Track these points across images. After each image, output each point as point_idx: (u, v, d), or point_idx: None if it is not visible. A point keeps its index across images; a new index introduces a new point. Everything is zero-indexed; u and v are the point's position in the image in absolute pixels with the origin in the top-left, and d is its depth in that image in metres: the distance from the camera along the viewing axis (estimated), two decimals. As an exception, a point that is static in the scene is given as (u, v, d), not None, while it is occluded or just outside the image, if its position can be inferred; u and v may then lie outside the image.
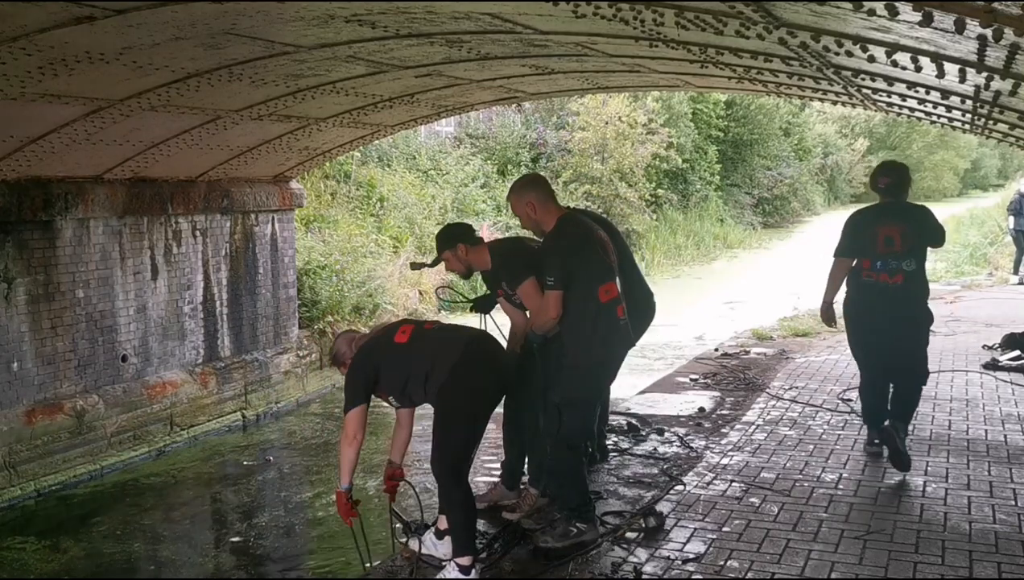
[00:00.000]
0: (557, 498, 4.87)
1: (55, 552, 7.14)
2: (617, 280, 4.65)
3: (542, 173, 23.16)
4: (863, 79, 5.46)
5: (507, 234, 15.78)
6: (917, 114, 7.19)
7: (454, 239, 4.87)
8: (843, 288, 6.09)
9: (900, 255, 5.66)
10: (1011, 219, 16.87)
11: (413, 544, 4.71)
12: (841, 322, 6.30)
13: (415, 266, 5.61)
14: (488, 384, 4.40)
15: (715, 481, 5.72)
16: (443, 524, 4.57)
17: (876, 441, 6.07)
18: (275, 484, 8.86)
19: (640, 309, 5.34)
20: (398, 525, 4.90)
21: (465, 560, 4.31)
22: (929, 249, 5.86)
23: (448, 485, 4.33)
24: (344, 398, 4.43)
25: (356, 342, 4.60)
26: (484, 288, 5.33)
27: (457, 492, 4.32)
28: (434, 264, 5.08)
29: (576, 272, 4.49)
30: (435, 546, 4.60)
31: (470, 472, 4.48)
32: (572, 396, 4.62)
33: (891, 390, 5.95)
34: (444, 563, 4.45)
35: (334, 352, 4.72)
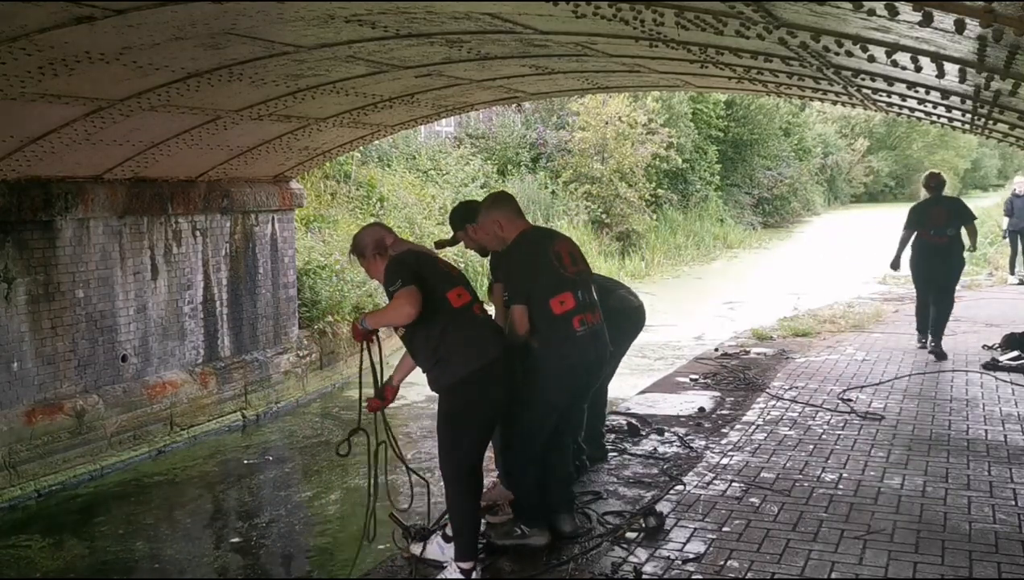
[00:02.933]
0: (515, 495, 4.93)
1: (59, 550, 7.15)
2: (578, 292, 4.65)
3: (542, 173, 23.24)
4: (863, 79, 5.46)
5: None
6: (917, 114, 7.20)
7: (462, 221, 4.96)
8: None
9: (945, 226, 9.30)
10: (1005, 220, 17.01)
11: (414, 548, 4.71)
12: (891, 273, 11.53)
13: (440, 245, 5.61)
14: (506, 393, 4.37)
15: (715, 481, 5.73)
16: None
17: (922, 341, 9.85)
18: (275, 484, 8.86)
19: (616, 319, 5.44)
20: (398, 529, 4.90)
21: (467, 564, 4.30)
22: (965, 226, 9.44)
23: (456, 489, 4.31)
24: (387, 282, 4.20)
25: (393, 246, 4.40)
26: None
27: (464, 498, 4.30)
28: (452, 243, 5.13)
29: (529, 287, 4.58)
30: (442, 549, 4.59)
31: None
32: (527, 397, 4.63)
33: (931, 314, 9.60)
34: (445, 564, 4.45)
35: (357, 240, 4.50)
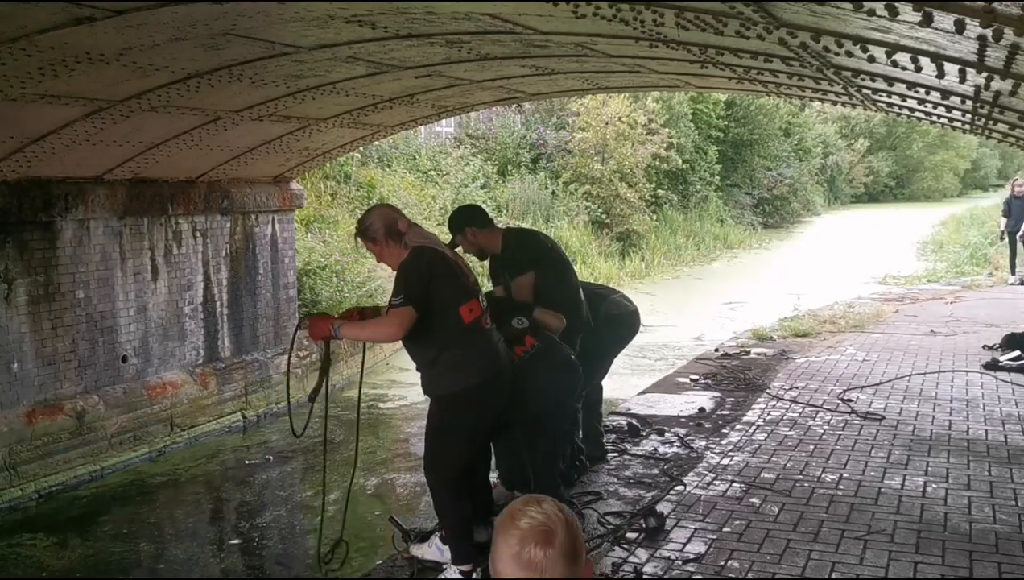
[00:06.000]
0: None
1: (62, 550, 7.15)
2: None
3: (542, 173, 23.22)
4: (863, 79, 5.46)
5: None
6: (917, 114, 7.19)
7: (461, 224, 5.03)
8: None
9: None
10: (1003, 220, 17.20)
11: (415, 550, 4.71)
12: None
13: None
14: (499, 405, 4.37)
15: (715, 481, 5.73)
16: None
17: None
18: (276, 484, 8.85)
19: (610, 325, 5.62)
20: (397, 531, 4.90)
21: (466, 566, 4.30)
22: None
23: (442, 496, 4.30)
24: (396, 288, 3.99)
25: (408, 233, 4.18)
26: None
27: (452, 503, 4.29)
28: (451, 247, 5.16)
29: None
30: (440, 551, 4.58)
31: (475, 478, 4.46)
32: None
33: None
34: (445, 565, 4.44)
35: (367, 223, 4.25)
